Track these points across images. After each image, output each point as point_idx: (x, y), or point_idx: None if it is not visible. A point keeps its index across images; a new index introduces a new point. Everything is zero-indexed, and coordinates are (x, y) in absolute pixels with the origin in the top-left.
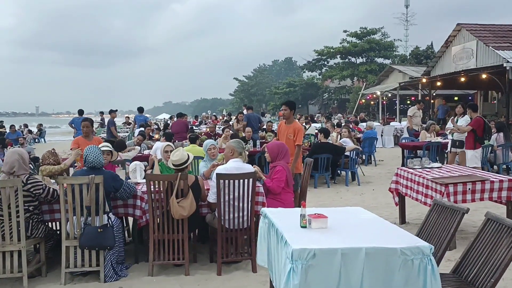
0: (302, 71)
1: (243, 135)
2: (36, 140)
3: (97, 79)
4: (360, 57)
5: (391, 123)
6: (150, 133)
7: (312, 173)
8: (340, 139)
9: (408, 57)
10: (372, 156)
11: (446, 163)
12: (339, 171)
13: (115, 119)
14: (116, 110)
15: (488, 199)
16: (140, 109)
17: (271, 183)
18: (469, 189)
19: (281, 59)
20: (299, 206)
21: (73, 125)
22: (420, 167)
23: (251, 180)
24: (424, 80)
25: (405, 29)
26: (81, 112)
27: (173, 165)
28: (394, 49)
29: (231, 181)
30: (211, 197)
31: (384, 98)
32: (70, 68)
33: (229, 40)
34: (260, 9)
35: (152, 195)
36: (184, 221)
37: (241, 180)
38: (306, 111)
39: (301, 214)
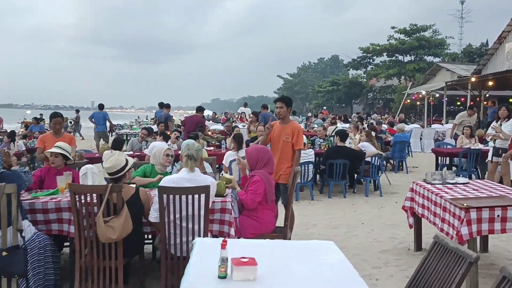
0: (347, 69)
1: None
2: (71, 133)
3: (149, 75)
4: (408, 55)
5: (433, 126)
6: (163, 130)
7: (326, 180)
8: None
9: (460, 55)
10: (403, 162)
11: (486, 175)
12: (362, 180)
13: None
14: (169, 105)
15: None
16: (161, 105)
17: (245, 196)
18: (498, 216)
19: (327, 57)
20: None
21: (93, 119)
22: (441, 182)
23: (203, 196)
24: (473, 79)
25: (460, 26)
26: (101, 106)
27: (107, 173)
28: (445, 47)
29: (177, 196)
30: (152, 215)
31: (431, 98)
32: (124, 63)
33: (278, 37)
34: (309, 7)
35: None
36: (119, 244)
37: (190, 196)
38: (350, 110)
39: (220, 258)
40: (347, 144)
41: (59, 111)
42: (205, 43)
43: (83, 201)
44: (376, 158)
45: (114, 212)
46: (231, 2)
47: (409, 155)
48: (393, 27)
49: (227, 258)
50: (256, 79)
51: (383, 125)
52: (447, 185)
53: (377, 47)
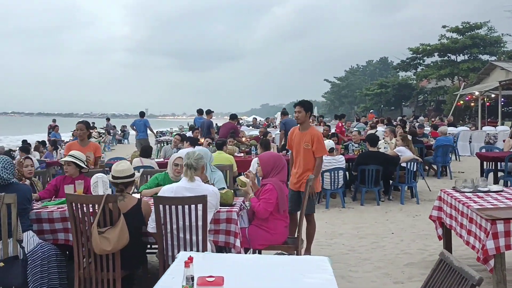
0: (396, 71)
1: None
2: (121, 141)
3: (200, 82)
4: (461, 55)
5: (484, 128)
6: (198, 136)
7: (358, 187)
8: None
9: None
10: (447, 167)
11: None
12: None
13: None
14: (212, 112)
15: None
16: (200, 111)
17: (257, 205)
18: None
19: (376, 59)
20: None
21: (134, 127)
22: (471, 190)
23: (200, 206)
24: None
25: None
26: (142, 114)
27: (113, 176)
28: (502, 44)
29: (174, 206)
30: (150, 226)
31: (486, 99)
32: (176, 72)
33: (327, 41)
34: (358, 8)
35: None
36: (116, 256)
37: (187, 206)
38: (399, 113)
39: (184, 277)
40: (382, 149)
41: (85, 119)
42: (254, 49)
43: (85, 210)
44: (413, 163)
45: (110, 223)
46: (280, 7)
47: (457, 160)
48: (444, 26)
49: (192, 277)
50: (304, 83)
51: (426, 128)
52: (478, 193)
53: (428, 47)
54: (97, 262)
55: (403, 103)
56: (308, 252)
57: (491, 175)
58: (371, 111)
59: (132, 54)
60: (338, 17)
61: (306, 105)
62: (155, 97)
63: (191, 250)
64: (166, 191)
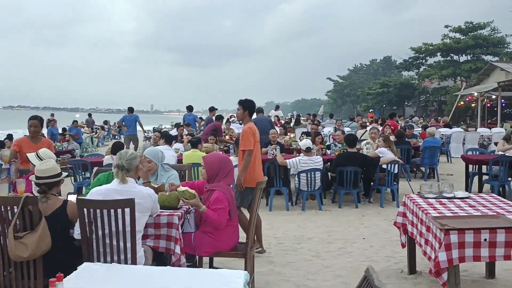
0: (398, 70)
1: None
2: (116, 136)
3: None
4: (463, 55)
5: (479, 130)
6: (182, 134)
7: (337, 189)
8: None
9: None
10: (434, 169)
11: None
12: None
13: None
14: (216, 109)
15: None
16: (190, 108)
17: (216, 216)
18: (486, 240)
19: (379, 58)
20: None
21: (123, 122)
22: (435, 196)
23: (128, 210)
24: None
25: None
26: (131, 109)
27: (36, 177)
28: (505, 45)
29: (99, 210)
30: (76, 231)
31: (486, 100)
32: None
33: (333, 39)
34: (367, 7)
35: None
36: (38, 263)
37: (112, 211)
38: (402, 113)
39: None
40: (364, 150)
41: (38, 115)
42: (261, 46)
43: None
44: (393, 165)
45: (30, 227)
46: (288, 4)
47: (448, 161)
48: (447, 26)
49: None
50: (309, 81)
51: (417, 129)
52: (441, 199)
53: (430, 47)
54: (17, 269)
55: (406, 103)
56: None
57: (476, 179)
58: (370, 110)
59: (138, 49)
60: (344, 15)
61: (245, 104)
62: (160, 93)
63: (120, 257)
64: (94, 193)
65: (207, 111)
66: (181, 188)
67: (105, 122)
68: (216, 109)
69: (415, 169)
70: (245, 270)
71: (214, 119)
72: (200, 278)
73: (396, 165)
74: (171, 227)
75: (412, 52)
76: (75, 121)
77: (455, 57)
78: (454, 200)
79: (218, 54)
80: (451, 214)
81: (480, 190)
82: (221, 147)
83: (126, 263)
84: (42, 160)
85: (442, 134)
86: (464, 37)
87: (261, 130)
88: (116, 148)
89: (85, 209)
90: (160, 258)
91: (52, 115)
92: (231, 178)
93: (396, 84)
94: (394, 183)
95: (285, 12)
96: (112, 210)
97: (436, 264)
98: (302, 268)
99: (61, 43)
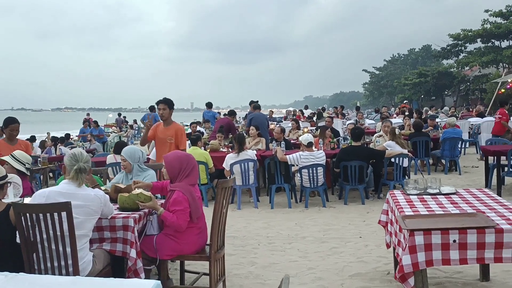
0: (437, 59)
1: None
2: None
3: (243, 75)
4: (505, 40)
5: None
6: (195, 131)
7: (341, 185)
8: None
9: None
10: (455, 162)
11: None
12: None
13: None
14: (257, 101)
15: (495, 261)
16: (209, 104)
17: (175, 219)
18: (455, 241)
19: (418, 48)
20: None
21: (144, 121)
22: (418, 192)
23: (64, 214)
24: None
25: None
26: (152, 108)
27: None
28: None
29: (35, 215)
30: (17, 236)
31: None
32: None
33: (371, 30)
34: None
35: None
36: None
37: (48, 215)
38: (441, 103)
39: None
40: (374, 143)
41: (15, 117)
42: (298, 40)
43: None
44: (401, 158)
45: None
46: None
47: (477, 153)
48: (487, 10)
49: None
50: (348, 74)
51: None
52: (424, 196)
53: (469, 33)
54: None
55: (445, 93)
56: None
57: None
58: (404, 101)
59: (177, 48)
60: (383, 5)
61: (169, 103)
62: (199, 91)
63: (60, 263)
64: (37, 196)
65: (245, 107)
66: (136, 191)
67: (135, 121)
68: (257, 101)
69: (436, 162)
70: (209, 274)
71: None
72: None
73: (406, 159)
74: (127, 229)
75: (450, 39)
76: (85, 121)
77: (496, 43)
78: (437, 196)
79: (255, 50)
80: (427, 213)
81: (500, 183)
82: (226, 143)
83: (67, 269)
84: (19, 161)
85: (472, 124)
86: (506, 21)
87: (260, 126)
88: (119, 147)
89: (21, 214)
90: (118, 263)
91: (88, 114)
92: (194, 177)
93: (434, 73)
94: (403, 177)
95: (322, 5)
96: (48, 214)
97: (400, 268)
98: (284, 270)
99: (102, 45)
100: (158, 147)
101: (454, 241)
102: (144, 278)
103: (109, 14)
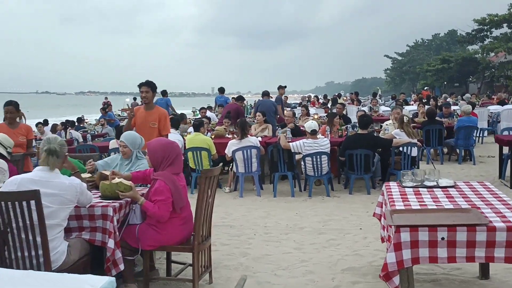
0: (461, 44)
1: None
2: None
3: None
4: None
5: None
6: (205, 116)
7: (347, 174)
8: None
9: None
10: (470, 151)
11: None
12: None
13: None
14: (285, 86)
15: (486, 260)
16: (221, 89)
17: (156, 209)
18: (443, 239)
19: (443, 33)
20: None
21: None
22: (414, 184)
23: (32, 202)
24: None
25: None
26: (164, 92)
27: None
28: None
29: (3, 203)
30: None
31: None
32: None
33: (395, 15)
34: None
35: None
36: None
37: (17, 203)
38: (465, 90)
39: None
40: (383, 131)
41: (13, 100)
42: (321, 26)
43: None
44: (410, 147)
45: None
46: None
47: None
48: None
49: None
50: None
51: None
52: (420, 188)
53: (495, 18)
54: None
55: (469, 79)
56: None
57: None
58: (425, 88)
59: (199, 34)
60: None
61: (152, 85)
62: (221, 76)
63: (30, 252)
64: (9, 183)
65: (266, 93)
66: (116, 180)
67: None
68: (285, 86)
69: (450, 151)
70: (192, 265)
71: (282, 98)
72: (48, 285)
73: (414, 148)
74: (106, 219)
75: (475, 24)
76: (102, 108)
77: None
78: (434, 189)
79: (278, 35)
80: (419, 207)
81: None
82: (232, 130)
83: (38, 259)
84: (3, 146)
85: (492, 112)
86: None
87: (266, 112)
88: (119, 132)
89: None
90: (100, 252)
91: (106, 98)
92: (178, 166)
93: (458, 59)
94: (412, 167)
95: None
96: (16, 203)
97: (384, 266)
98: (276, 262)
99: (126, 30)
100: (140, 133)
101: (443, 238)
102: (125, 268)
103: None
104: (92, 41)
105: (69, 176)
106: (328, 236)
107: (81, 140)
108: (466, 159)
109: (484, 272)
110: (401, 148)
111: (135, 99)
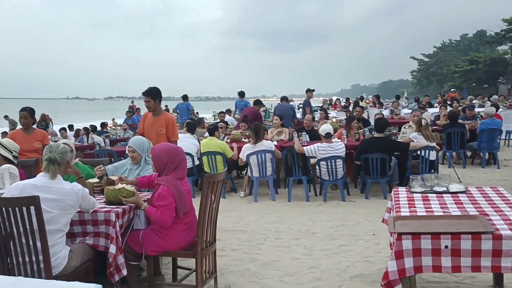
0: (489, 45)
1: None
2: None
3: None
4: None
5: None
6: (223, 120)
7: (363, 178)
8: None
9: None
10: (493, 154)
11: None
12: None
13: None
14: (313, 90)
15: (492, 270)
16: (241, 94)
17: (159, 215)
18: (447, 247)
19: (471, 33)
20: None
21: (177, 110)
22: (424, 189)
23: (32, 208)
24: None
25: None
26: (185, 97)
27: None
28: None
29: (4, 209)
30: None
31: None
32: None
33: (422, 15)
34: None
35: None
36: None
37: (17, 209)
38: (494, 91)
39: None
40: (400, 134)
41: (28, 106)
42: (346, 27)
43: None
44: (427, 151)
45: None
46: None
47: None
48: None
49: None
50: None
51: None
52: (430, 194)
53: None
54: None
55: (499, 80)
56: None
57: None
58: (452, 90)
59: (224, 37)
60: None
61: (153, 93)
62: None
63: (31, 258)
64: (12, 189)
65: (291, 96)
66: (118, 186)
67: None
68: (313, 90)
69: (473, 154)
70: (195, 271)
71: (309, 102)
72: None
73: (433, 152)
74: (109, 224)
75: (504, 24)
76: (128, 111)
77: None
78: (444, 195)
79: (302, 37)
80: (424, 213)
81: None
82: (248, 134)
83: (38, 264)
84: (6, 149)
85: None
86: None
87: (283, 116)
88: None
89: None
90: (103, 257)
91: (132, 102)
92: (182, 171)
93: (486, 60)
94: (431, 171)
95: None
96: (16, 208)
97: (385, 275)
98: (284, 268)
99: (150, 34)
100: (148, 139)
101: (446, 246)
102: (129, 274)
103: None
104: (121, 47)
105: (73, 181)
106: (340, 241)
107: (102, 144)
108: (490, 163)
109: (498, 280)
110: (419, 152)
111: None
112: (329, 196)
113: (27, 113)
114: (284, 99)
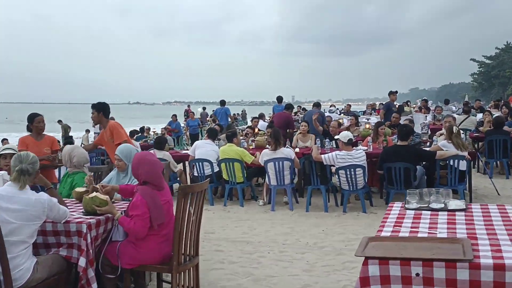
0: None
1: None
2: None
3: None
4: None
5: None
6: (256, 126)
7: (386, 188)
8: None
9: None
10: None
11: None
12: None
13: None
14: (396, 92)
15: None
16: (279, 99)
17: (132, 224)
18: (418, 275)
19: None
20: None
21: (216, 115)
22: (419, 205)
23: None
24: None
25: None
26: (223, 102)
27: None
28: None
29: None
30: None
31: None
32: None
33: (487, 15)
34: None
35: None
36: None
37: None
38: None
39: None
40: (432, 141)
41: (38, 112)
42: (405, 30)
43: None
44: (457, 160)
45: None
46: None
47: None
48: None
49: None
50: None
51: None
52: (424, 211)
53: None
54: None
55: None
56: None
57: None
58: None
59: (281, 42)
60: None
61: (97, 107)
62: (302, 84)
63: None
64: None
65: (347, 100)
66: (92, 194)
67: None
68: (396, 91)
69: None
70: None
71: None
72: None
73: (463, 161)
74: (80, 235)
75: None
76: (174, 115)
77: None
78: (439, 212)
79: (361, 41)
80: (407, 235)
81: None
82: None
83: None
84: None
85: None
86: None
87: (310, 122)
88: (158, 143)
89: None
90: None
91: (188, 106)
92: (158, 181)
93: None
94: (461, 182)
95: None
96: None
97: None
98: (277, 285)
99: (210, 41)
100: (108, 151)
101: (417, 274)
102: (106, 287)
103: (218, 10)
104: (180, 53)
105: (42, 191)
106: (346, 257)
107: (139, 149)
108: None
109: None
110: (448, 161)
111: (204, 108)
112: (350, 207)
113: (42, 117)
114: (315, 105)
